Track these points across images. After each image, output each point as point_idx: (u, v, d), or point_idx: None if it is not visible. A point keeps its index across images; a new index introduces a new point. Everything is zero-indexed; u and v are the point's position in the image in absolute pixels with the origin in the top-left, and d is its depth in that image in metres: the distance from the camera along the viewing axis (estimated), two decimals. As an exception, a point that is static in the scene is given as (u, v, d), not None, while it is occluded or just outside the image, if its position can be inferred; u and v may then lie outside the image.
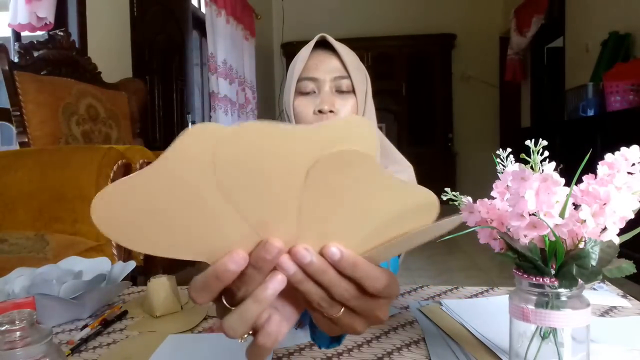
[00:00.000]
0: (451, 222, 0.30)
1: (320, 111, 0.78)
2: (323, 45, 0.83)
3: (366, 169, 0.28)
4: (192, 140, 0.25)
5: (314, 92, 0.81)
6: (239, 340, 0.33)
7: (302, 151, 0.26)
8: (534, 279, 0.41)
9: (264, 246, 0.29)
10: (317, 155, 0.26)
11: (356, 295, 0.31)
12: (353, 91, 0.81)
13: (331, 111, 0.78)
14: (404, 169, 0.88)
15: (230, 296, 0.31)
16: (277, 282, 0.29)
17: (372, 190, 0.28)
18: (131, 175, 0.27)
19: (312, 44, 0.83)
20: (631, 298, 0.72)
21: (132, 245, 0.29)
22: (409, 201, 0.29)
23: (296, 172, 0.27)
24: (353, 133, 0.27)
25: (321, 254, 0.30)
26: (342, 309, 0.32)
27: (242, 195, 0.27)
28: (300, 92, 0.81)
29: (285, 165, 0.26)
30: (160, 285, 0.73)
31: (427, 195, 0.29)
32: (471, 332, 0.60)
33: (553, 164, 0.42)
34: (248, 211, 0.28)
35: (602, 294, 0.74)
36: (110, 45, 2.63)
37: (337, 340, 0.49)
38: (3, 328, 0.38)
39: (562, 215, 0.39)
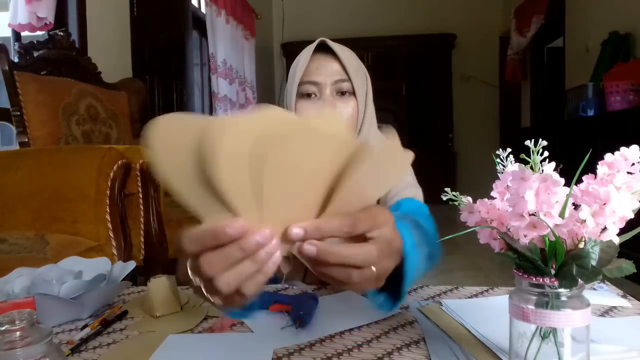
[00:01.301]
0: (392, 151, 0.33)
1: None
2: (323, 48, 0.84)
3: (290, 128, 0.31)
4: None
5: (316, 95, 0.83)
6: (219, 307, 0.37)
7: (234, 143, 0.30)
8: (534, 279, 0.41)
9: (259, 231, 0.32)
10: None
11: (357, 249, 0.36)
12: (353, 93, 0.83)
13: None
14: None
15: (208, 283, 0.34)
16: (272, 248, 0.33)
17: (300, 145, 0.31)
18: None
19: (312, 47, 0.84)
20: (631, 298, 0.72)
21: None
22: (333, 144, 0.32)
23: (242, 163, 0.30)
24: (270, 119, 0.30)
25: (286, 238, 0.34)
26: (374, 268, 0.37)
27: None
28: (302, 95, 0.83)
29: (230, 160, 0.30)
30: (160, 285, 0.73)
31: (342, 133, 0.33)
32: (471, 332, 0.60)
33: (553, 164, 0.42)
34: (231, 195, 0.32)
35: (602, 294, 0.74)
36: (110, 45, 2.63)
37: (398, 297, 0.51)
38: (3, 328, 0.38)
39: (562, 215, 0.39)
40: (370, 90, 0.88)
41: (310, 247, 0.34)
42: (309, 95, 0.83)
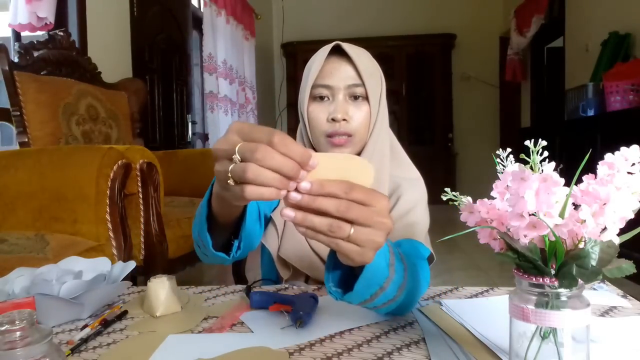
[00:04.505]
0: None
1: (333, 119, 0.80)
2: (339, 50, 0.82)
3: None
4: None
5: (328, 98, 0.82)
6: None
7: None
8: (534, 279, 0.41)
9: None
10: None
11: (346, 204, 0.42)
12: (367, 97, 0.82)
13: (344, 119, 0.80)
14: (412, 179, 0.88)
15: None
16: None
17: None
18: None
19: (327, 49, 0.82)
20: (631, 298, 0.72)
21: None
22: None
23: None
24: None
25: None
26: (352, 227, 0.42)
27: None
28: (314, 98, 0.82)
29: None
30: (160, 285, 0.73)
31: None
32: (471, 332, 0.60)
33: (553, 164, 0.42)
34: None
35: (602, 294, 0.74)
36: (110, 45, 2.63)
37: (351, 288, 0.53)
38: (3, 328, 0.38)
39: (562, 215, 0.39)
40: (384, 93, 0.86)
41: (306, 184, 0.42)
42: (321, 98, 0.82)
